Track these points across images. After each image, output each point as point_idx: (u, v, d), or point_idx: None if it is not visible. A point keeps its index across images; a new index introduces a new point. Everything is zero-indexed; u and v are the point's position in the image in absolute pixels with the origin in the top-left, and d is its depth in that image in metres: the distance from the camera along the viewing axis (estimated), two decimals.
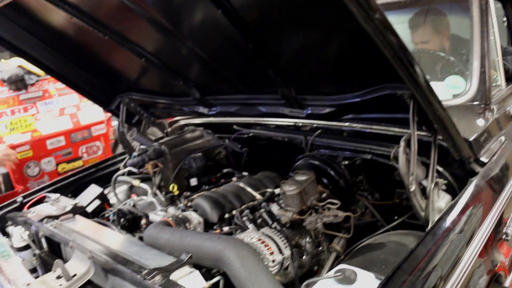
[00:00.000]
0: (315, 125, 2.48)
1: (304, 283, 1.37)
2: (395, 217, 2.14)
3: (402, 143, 1.68)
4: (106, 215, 2.60)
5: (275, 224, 2.03)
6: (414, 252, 1.41)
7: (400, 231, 1.95)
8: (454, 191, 1.93)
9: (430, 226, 1.69)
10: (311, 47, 1.85)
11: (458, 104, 2.33)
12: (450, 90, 2.45)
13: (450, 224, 1.60)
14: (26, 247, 2.25)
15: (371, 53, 1.45)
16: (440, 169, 1.99)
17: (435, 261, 1.41)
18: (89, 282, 1.72)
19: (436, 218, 1.70)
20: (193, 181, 2.71)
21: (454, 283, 1.43)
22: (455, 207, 1.71)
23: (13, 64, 4.85)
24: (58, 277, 1.71)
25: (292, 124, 2.62)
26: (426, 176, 1.83)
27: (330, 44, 1.80)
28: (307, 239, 2.04)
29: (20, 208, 2.59)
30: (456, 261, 1.50)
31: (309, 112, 2.19)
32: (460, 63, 2.63)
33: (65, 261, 1.91)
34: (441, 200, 1.83)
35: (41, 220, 2.16)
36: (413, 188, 1.71)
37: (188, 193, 2.44)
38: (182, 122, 3.32)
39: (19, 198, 2.66)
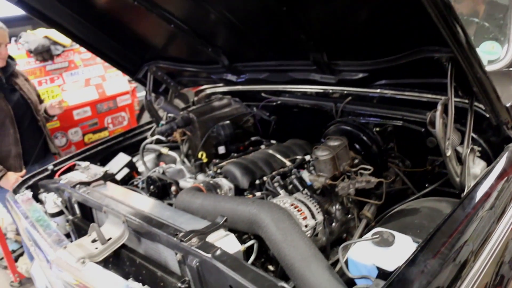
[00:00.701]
0: (345, 92, 2.45)
1: (341, 246, 1.37)
2: (426, 185, 2.12)
3: (439, 107, 1.64)
4: (135, 183, 2.63)
5: (305, 191, 2.03)
6: (453, 216, 1.39)
7: (433, 197, 1.93)
8: (488, 158, 1.90)
9: (466, 191, 1.66)
10: (345, 9, 1.81)
11: (494, 70, 2.27)
12: (485, 56, 2.38)
13: (488, 189, 1.57)
14: (59, 213, 2.29)
15: (409, 14, 1.41)
16: (475, 135, 1.96)
17: (474, 225, 1.39)
18: (123, 246, 1.75)
19: (472, 184, 1.67)
20: (221, 149, 2.72)
21: (493, 246, 1.41)
22: (492, 173, 1.69)
23: (39, 35, 4.88)
24: (94, 241, 1.73)
25: (321, 91, 2.59)
26: (461, 142, 1.80)
27: (365, 6, 1.76)
28: (337, 206, 2.04)
29: (51, 176, 2.63)
30: (495, 226, 1.48)
31: (340, 78, 2.16)
32: (496, 28, 2.55)
33: (99, 226, 1.95)
34: (477, 166, 1.80)
35: (74, 186, 2.19)
36: (449, 153, 1.68)
37: (218, 160, 2.45)
38: (209, 91, 3.31)
39: (50, 166, 2.69)
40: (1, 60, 3.45)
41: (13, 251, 4.10)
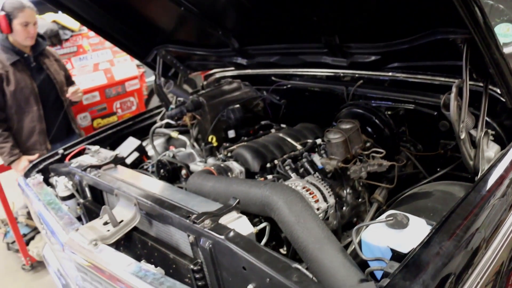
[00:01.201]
0: (357, 75, 2.42)
1: (355, 228, 1.36)
2: (438, 169, 2.10)
3: (454, 89, 1.62)
4: (145, 166, 2.64)
5: (316, 174, 2.02)
6: (468, 198, 1.38)
7: (446, 181, 1.92)
8: (502, 142, 1.88)
9: (480, 174, 1.65)
10: None
11: (509, 53, 2.23)
12: (500, 39, 2.34)
13: (502, 172, 1.56)
14: (70, 196, 2.31)
15: None
16: (489, 119, 1.93)
17: (489, 207, 1.38)
18: (135, 228, 1.75)
19: (486, 168, 1.66)
20: (231, 133, 2.71)
21: (508, 228, 1.40)
22: (506, 156, 1.67)
23: (48, 20, 4.87)
24: (105, 223, 1.74)
25: (332, 74, 2.57)
26: (475, 126, 1.78)
27: None
28: (348, 190, 2.03)
29: (61, 160, 2.63)
30: (510, 209, 1.47)
31: (352, 60, 2.14)
32: (511, 10, 2.50)
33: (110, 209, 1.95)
34: (491, 149, 1.78)
35: (85, 169, 2.19)
36: (463, 135, 1.66)
37: (228, 144, 2.44)
38: (218, 75, 3.30)
39: (60, 150, 2.70)
40: (30, 39, 3.58)
41: (24, 235, 4.13)
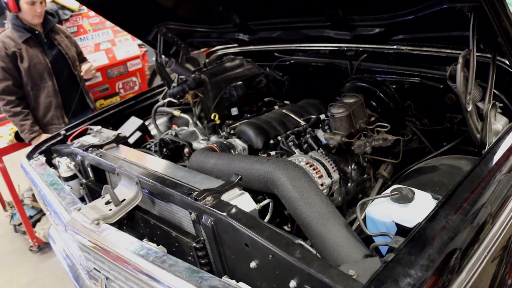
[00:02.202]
0: (361, 49, 2.37)
1: (359, 202, 1.34)
2: (444, 143, 2.06)
3: (460, 60, 1.56)
4: (148, 146, 2.62)
5: (320, 150, 1.99)
6: (475, 171, 1.34)
7: (452, 155, 1.88)
8: (510, 114, 1.83)
9: (488, 147, 1.61)
10: None
11: None
12: (510, 6, 2.27)
13: (511, 145, 1.52)
14: (73, 177, 2.29)
15: None
16: (496, 91, 1.88)
17: (497, 180, 1.35)
18: (137, 207, 1.73)
19: (494, 140, 1.62)
20: (234, 111, 2.68)
21: None
22: None
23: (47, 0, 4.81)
24: (107, 203, 1.72)
25: (336, 48, 2.51)
26: (482, 99, 1.73)
27: None
28: (353, 165, 2.00)
29: (63, 141, 2.62)
30: None
31: (356, 33, 2.08)
32: None
33: (113, 188, 1.94)
34: (498, 122, 1.74)
35: (86, 149, 2.17)
36: (470, 108, 1.62)
37: (231, 121, 2.41)
38: (220, 52, 3.25)
39: (62, 131, 2.69)
40: (37, 17, 3.66)
41: (31, 217, 4.15)
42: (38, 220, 4.21)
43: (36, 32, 3.73)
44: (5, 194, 4.30)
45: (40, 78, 3.74)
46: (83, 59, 4.18)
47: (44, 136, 3.52)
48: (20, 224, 4.24)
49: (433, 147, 2.11)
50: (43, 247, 4.10)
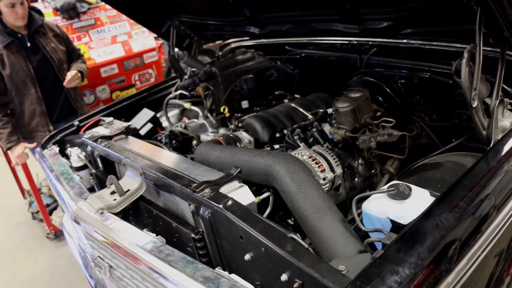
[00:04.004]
0: (370, 43, 2.35)
1: (355, 198, 1.34)
2: (453, 140, 2.03)
3: (465, 54, 1.54)
4: (159, 137, 2.64)
5: (326, 144, 1.99)
6: (475, 169, 1.32)
7: (459, 152, 1.85)
8: None
9: (492, 144, 1.58)
10: None
11: None
12: None
13: None
14: (84, 167, 2.34)
15: None
16: (505, 87, 1.84)
17: (497, 179, 1.32)
18: (142, 198, 1.76)
19: (500, 137, 1.59)
20: (244, 103, 2.68)
21: None
22: None
23: None
24: (113, 193, 1.75)
25: (346, 42, 2.49)
26: (490, 94, 1.70)
27: None
28: (360, 160, 1.99)
29: (77, 131, 2.67)
30: None
31: (364, 27, 2.07)
32: None
33: (119, 179, 1.96)
34: (506, 119, 1.70)
35: (96, 140, 2.21)
36: (475, 104, 1.59)
37: (239, 114, 2.42)
38: (233, 45, 3.25)
39: (76, 122, 2.74)
40: (20, 20, 3.41)
41: (47, 205, 4.24)
42: (55, 208, 4.30)
43: (19, 35, 3.49)
44: (24, 182, 4.39)
45: (23, 85, 3.52)
46: (78, 56, 3.96)
47: (21, 146, 3.53)
48: (38, 211, 4.34)
49: (442, 143, 2.08)
50: (59, 234, 4.18)
